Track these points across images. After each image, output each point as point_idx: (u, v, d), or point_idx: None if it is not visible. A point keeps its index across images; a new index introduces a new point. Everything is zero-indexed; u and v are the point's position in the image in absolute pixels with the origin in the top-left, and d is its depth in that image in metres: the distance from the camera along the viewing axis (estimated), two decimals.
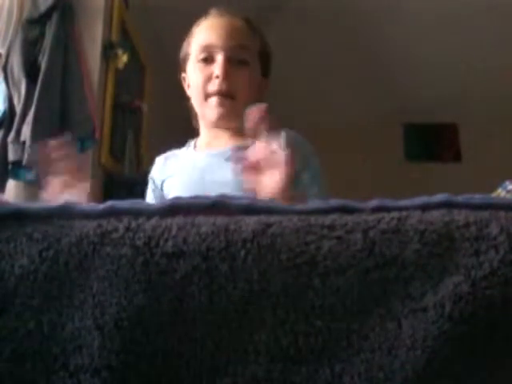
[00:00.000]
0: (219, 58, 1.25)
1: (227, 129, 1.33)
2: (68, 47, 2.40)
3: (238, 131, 1.30)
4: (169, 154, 1.42)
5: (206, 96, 1.27)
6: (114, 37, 2.67)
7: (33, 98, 2.21)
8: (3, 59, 2.36)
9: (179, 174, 1.32)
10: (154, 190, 1.39)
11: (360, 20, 3.63)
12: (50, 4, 2.39)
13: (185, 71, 1.39)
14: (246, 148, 1.21)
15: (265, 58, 1.38)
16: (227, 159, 1.22)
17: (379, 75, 4.25)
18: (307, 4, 3.26)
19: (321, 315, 0.42)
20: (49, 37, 2.34)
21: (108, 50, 2.57)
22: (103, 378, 0.41)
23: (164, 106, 3.82)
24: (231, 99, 1.26)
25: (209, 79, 1.27)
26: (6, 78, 2.33)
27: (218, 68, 1.25)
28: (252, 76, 1.31)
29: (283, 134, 1.26)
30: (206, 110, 1.29)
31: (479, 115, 4.66)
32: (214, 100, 1.26)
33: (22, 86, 2.27)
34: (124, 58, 2.64)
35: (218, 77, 1.25)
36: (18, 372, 0.42)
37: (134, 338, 0.42)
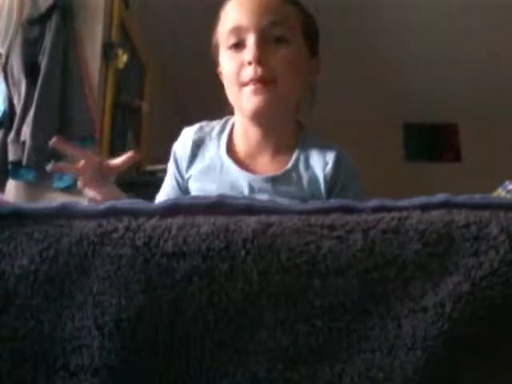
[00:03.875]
0: (250, 39, 1.06)
1: (271, 132, 1.13)
2: (68, 47, 2.40)
3: (284, 138, 1.14)
4: (199, 137, 1.19)
5: (241, 85, 1.08)
6: (114, 37, 2.67)
7: (33, 98, 2.21)
8: (3, 59, 2.36)
9: (209, 183, 1.14)
10: (175, 176, 1.20)
11: (360, 19, 3.63)
12: (50, 4, 2.39)
13: (219, 65, 1.18)
14: (281, 179, 1.08)
15: (309, 33, 1.17)
16: (270, 193, 1.07)
17: (379, 75, 4.25)
18: (306, 3, 3.26)
19: (321, 315, 0.42)
20: (49, 37, 2.35)
21: (108, 50, 2.57)
22: (103, 378, 0.41)
23: (164, 106, 3.82)
24: (272, 85, 1.06)
25: (242, 66, 1.07)
26: (6, 78, 2.33)
27: (249, 52, 1.06)
28: (295, 56, 1.10)
29: (335, 151, 1.12)
30: (242, 102, 1.09)
31: (479, 115, 4.66)
32: (248, 89, 1.06)
33: (22, 86, 2.27)
34: (124, 58, 2.64)
35: (250, 63, 1.05)
36: (18, 372, 0.42)
37: (134, 338, 0.42)
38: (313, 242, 0.44)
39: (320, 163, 1.12)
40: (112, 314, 0.42)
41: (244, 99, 1.08)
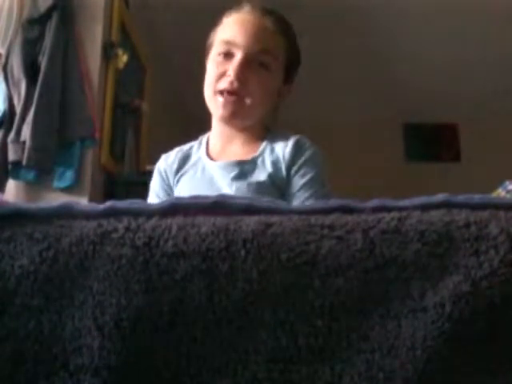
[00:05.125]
0: (237, 57, 1.19)
1: (240, 131, 1.27)
2: (68, 47, 2.40)
3: (252, 135, 1.27)
4: (180, 150, 1.34)
5: (215, 92, 1.21)
6: (114, 37, 2.67)
7: (33, 98, 2.21)
8: (3, 59, 2.36)
9: (190, 180, 1.26)
10: (161, 184, 1.31)
11: (361, 20, 3.63)
12: (50, 4, 2.39)
13: (207, 62, 1.30)
14: (248, 164, 1.20)
15: (291, 65, 1.31)
16: (233, 178, 1.18)
17: (379, 75, 4.25)
18: (306, 4, 3.26)
19: (321, 315, 0.42)
20: (49, 37, 2.34)
21: (108, 49, 2.57)
22: (103, 377, 0.41)
23: (164, 106, 3.82)
24: (240, 99, 1.19)
25: (222, 75, 1.21)
26: (6, 78, 2.33)
27: (232, 67, 1.19)
28: (270, 82, 1.24)
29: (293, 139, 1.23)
30: (213, 107, 1.23)
31: (479, 115, 4.66)
32: (220, 98, 1.19)
33: (22, 86, 2.27)
34: (124, 58, 2.64)
35: (230, 75, 1.18)
36: (17, 372, 0.42)
37: (134, 338, 0.42)
38: (313, 242, 0.44)
39: (281, 146, 1.24)
40: (112, 314, 0.42)
41: (216, 106, 1.22)
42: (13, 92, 2.31)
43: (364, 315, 0.42)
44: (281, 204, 0.48)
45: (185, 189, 1.25)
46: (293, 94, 1.35)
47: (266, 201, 0.47)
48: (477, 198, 0.47)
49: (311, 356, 0.42)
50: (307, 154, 1.23)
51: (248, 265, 0.43)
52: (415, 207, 0.46)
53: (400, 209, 0.46)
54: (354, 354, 0.41)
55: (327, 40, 3.69)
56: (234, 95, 1.18)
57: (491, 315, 0.41)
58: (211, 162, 1.25)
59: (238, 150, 1.27)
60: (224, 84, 1.19)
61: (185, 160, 1.31)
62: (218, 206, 0.47)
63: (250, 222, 0.45)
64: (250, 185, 1.17)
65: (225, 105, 1.19)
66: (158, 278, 0.43)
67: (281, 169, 1.21)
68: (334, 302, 0.42)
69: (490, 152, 4.58)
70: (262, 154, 1.24)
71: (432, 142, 5.07)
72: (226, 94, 1.18)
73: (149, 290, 0.42)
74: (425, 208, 0.46)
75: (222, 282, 0.42)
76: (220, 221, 0.45)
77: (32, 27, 2.40)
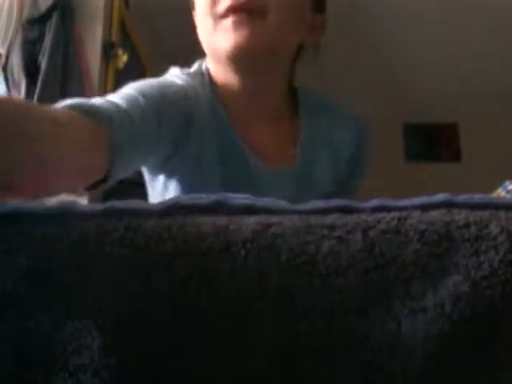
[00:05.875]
0: None
1: (265, 82, 0.82)
2: (68, 47, 2.40)
3: (281, 90, 0.85)
4: (184, 96, 0.83)
5: (217, 18, 0.81)
6: (114, 37, 2.67)
7: (33, 98, 2.21)
8: (3, 59, 2.36)
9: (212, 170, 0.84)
10: (165, 111, 0.79)
11: (360, 19, 3.63)
12: (50, 4, 2.39)
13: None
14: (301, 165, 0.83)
15: None
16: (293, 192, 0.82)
17: (379, 75, 4.25)
18: None
19: (321, 315, 0.42)
20: (49, 37, 2.35)
21: (108, 49, 2.57)
22: (103, 377, 0.41)
23: None
24: (259, 16, 0.79)
25: None
26: (6, 78, 2.33)
27: None
28: None
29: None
30: (218, 40, 0.82)
31: (479, 115, 4.66)
32: (228, 21, 0.79)
33: (22, 86, 2.27)
34: (124, 58, 2.65)
35: None
36: (17, 372, 0.42)
37: (134, 338, 0.42)
38: (313, 242, 0.44)
39: (341, 135, 0.89)
40: (112, 313, 0.42)
41: (220, 36, 0.80)
42: (13, 92, 2.31)
43: (364, 315, 0.42)
44: (281, 204, 0.48)
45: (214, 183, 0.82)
46: None
47: (266, 201, 0.47)
48: (477, 197, 0.47)
49: (311, 356, 0.42)
50: (368, 150, 0.94)
51: (248, 265, 0.43)
52: (415, 207, 0.46)
53: (400, 209, 0.46)
54: (354, 354, 0.41)
55: (327, 39, 3.68)
56: (246, 11, 0.79)
57: (491, 315, 0.41)
58: (254, 157, 0.84)
59: (267, 133, 0.87)
60: (226, 1, 0.80)
61: (188, 119, 0.81)
62: (218, 205, 0.47)
63: (250, 222, 0.45)
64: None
65: (236, 25, 0.78)
66: (157, 278, 0.43)
67: (340, 171, 0.90)
68: (334, 302, 0.42)
69: (490, 152, 4.58)
70: (309, 140, 0.86)
71: (432, 142, 5.07)
72: (232, 15, 0.79)
73: (149, 290, 0.42)
74: (425, 208, 0.46)
75: (221, 283, 0.42)
76: (220, 221, 0.45)
77: (32, 27, 2.40)
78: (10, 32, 2.41)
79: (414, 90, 4.41)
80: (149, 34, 3.35)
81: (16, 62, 2.30)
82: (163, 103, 0.78)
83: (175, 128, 0.79)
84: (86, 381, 0.41)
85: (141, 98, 0.74)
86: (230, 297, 0.42)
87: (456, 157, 4.98)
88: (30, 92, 2.22)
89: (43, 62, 2.27)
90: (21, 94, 2.26)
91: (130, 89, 0.78)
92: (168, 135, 0.79)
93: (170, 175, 0.88)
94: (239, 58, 0.81)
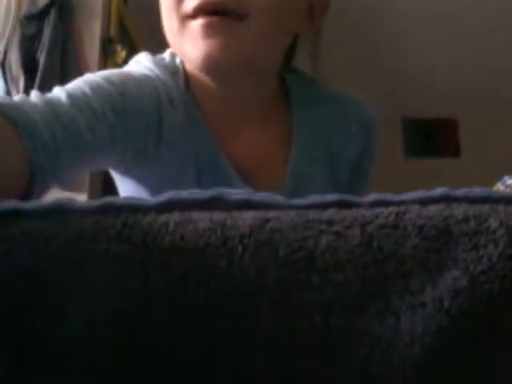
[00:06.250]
0: None
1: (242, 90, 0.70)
2: (66, 43, 2.40)
3: (267, 92, 0.72)
4: (156, 96, 0.70)
5: (182, 19, 0.68)
6: (113, 33, 2.67)
7: None
8: (1, 56, 2.36)
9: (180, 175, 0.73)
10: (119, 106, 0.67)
11: (360, 16, 3.63)
12: (48, 0, 2.38)
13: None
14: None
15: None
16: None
17: (378, 70, 4.24)
18: None
19: (319, 311, 0.42)
20: (47, 33, 2.34)
21: (107, 45, 2.57)
22: (103, 378, 0.41)
23: None
24: (237, 20, 0.64)
25: None
26: (4, 75, 2.33)
27: None
28: None
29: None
30: (185, 46, 0.69)
31: (478, 110, 4.65)
32: (196, 24, 0.65)
33: (21, 83, 2.27)
34: (122, 54, 2.64)
35: None
36: (17, 372, 0.42)
37: (133, 337, 0.42)
38: (311, 237, 0.43)
39: (342, 131, 0.80)
40: (110, 311, 0.42)
41: (188, 42, 0.67)
42: (11, 88, 2.31)
43: (362, 310, 0.42)
44: (278, 199, 0.47)
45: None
46: None
47: (263, 195, 0.47)
48: (476, 191, 0.47)
49: (310, 352, 0.42)
50: (376, 140, 0.81)
51: (245, 261, 0.43)
52: (414, 201, 0.46)
53: (398, 203, 0.46)
54: (352, 350, 0.41)
55: (327, 36, 3.68)
56: (220, 13, 0.64)
57: (490, 310, 0.41)
58: (235, 173, 0.71)
59: (257, 126, 0.75)
60: (193, 0, 0.64)
61: (159, 122, 0.69)
62: (215, 201, 0.47)
63: (248, 217, 0.45)
64: None
65: (205, 31, 0.63)
66: (155, 274, 0.42)
67: (343, 169, 0.82)
68: (332, 298, 0.42)
69: (489, 147, 4.58)
70: (302, 151, 0.76)
71: (431, 138, 5.07)
72: (201, 16, 0.64)
73: (146, 286, 0.42)
74: (423, 202, 0.46)
75: (219, 279, 0.42)
76: (217, 216, 0.45)
77: (30, 23, 2.40)
78: (8, 28, 2.40)
79: (414, 85, 4.41)
80: (147, 30, 3.34)
81: (14, 58, 2.30)
82: (121, 105, 0.67)
83: (135, 134, 0.67)
84: (84, 379, 0.41)
85: (91, 98, 0.64)
86: (228, 293, 0.42)
87: (455, 152, 4.98)
88: (28, 88, 2.22)
89: (41, 58, 2.27)
90: (19, 90, 2.26)
91: (83, 82, 0.68)
92: (122, 140, 0.67)
93: (139, 183, 0.77)
94: (210, 72, 0.69)
